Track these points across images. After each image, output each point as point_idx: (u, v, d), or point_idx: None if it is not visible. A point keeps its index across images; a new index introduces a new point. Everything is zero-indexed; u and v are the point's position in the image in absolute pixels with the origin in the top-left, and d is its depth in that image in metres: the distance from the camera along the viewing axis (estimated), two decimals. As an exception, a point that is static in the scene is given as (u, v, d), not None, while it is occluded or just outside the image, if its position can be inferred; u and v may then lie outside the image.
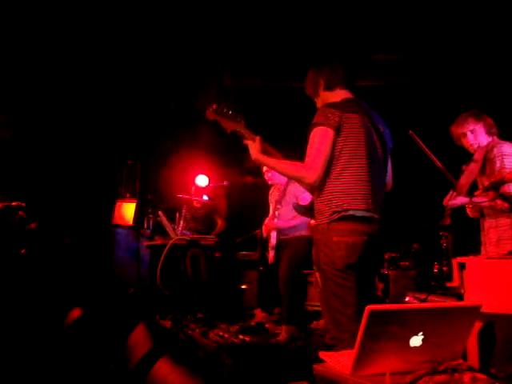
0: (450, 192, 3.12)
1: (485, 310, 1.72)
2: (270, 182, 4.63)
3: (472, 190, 3.22)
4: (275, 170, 2.60)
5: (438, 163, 3.16)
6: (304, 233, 4.33)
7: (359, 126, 2.41)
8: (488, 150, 3.16)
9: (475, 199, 2.95)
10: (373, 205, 2.40)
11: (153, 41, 5.39)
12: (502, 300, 2.13)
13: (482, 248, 3.25)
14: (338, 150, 2.38)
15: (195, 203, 6.15)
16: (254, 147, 2.53)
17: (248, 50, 5.45)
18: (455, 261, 2.44)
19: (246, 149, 2.61)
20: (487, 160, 3.14)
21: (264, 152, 2.53)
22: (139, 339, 1.52)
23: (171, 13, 4.92)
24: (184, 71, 5.94)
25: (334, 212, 2.37)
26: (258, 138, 2.54)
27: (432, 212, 3.56)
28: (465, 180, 3.05)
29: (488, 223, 3.19)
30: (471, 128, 3.24)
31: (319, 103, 2.63)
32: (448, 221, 3.16)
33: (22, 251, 4.20)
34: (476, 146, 3.23)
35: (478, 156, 3.13)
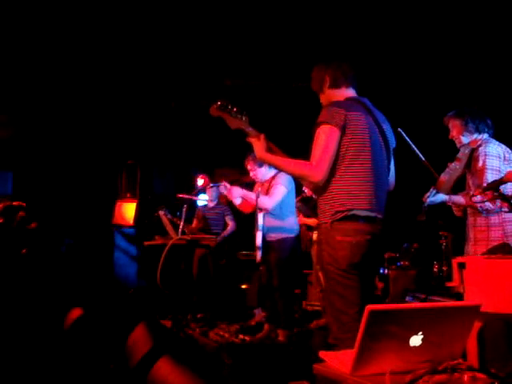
0: (431, 189, 3.14)
1: (484, 309, 1.73)
2: (257, 180, 4.53)
3: (458, 188, 3.24)
4: (280, 169, 2.59)
5: (424, 160, 3.20)
6: (287, 234, 4.30)
7: (364, 125, 2.41)
8: (475, 148, 3.17)
9: (474, 199, 2.96)
10: (376, 204, 2.40)
11: (153, 42, 5.39)
12: (502, 300, 2.13)
13: (466, 246, 3.28)
14: (344, 150, 2.38)
15: (209, 203, 6.16)
16: (258, 145, 2.52)
17: (247, 50, 5.46)
18: (455, 261, 2.43)
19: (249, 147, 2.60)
20: (473, 158, 3.15)
21: (268, 150, 2.52)
22: (139, 339, 1.53)
23: (170, 13, 4.92)
24: (184, 71, 5.94)
25: (338, 211, 2.36)
26: (262, 136, 2.53)
27: (431, 211, 3.56)
28: (444, 177, 3.07)
29: (469, 222, 3.22)
30: (451, 125, 3.32)
31: (323, 99, 2.62)
32: (423, 217, 3.17)
33: (23, 251, 4.20)
34: (458, 142, 3.27)
35: (460, 154, 3.15)
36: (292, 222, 4.37)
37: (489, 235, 3.04)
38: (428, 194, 3.15)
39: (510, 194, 2.88)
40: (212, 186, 5.86)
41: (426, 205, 3.14)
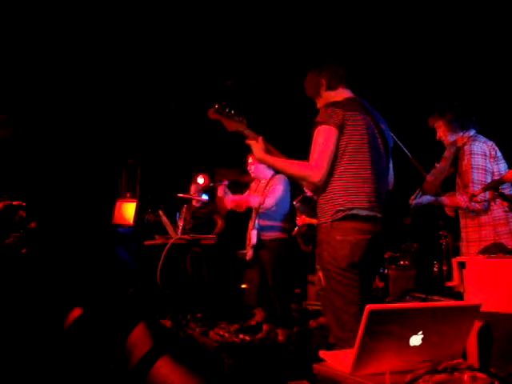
0: (417, 190, 3.11)
1: (484, 309, 1.73)
2: (252, 175, 4.61)
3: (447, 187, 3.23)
4: (279, 170, 2.60)
5: (411, 158, 3.19)
6: (281, 234, 4.37)
7: (362, 124, 2.42)
8: (461, 146, 3.15)
9: (475, 199, 2.95)
10: (376, 203, 2.41)
11: (154, 42, 5.39)
12: (502, 299, 2.13)
13: (461, 247, 3.27)
14: (342, 149, 2.38)
15: (194, 202, 6.17)
16: (257, 147, 2.53)
17: (248, 50, 5.45)
18: (455, 260, 2.43)
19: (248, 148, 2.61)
20: (459, 157, 3.14)
21: (267, 152, 2.53)
22: (139, 339, 1.53)
23: (171, 13, 4.92)
24: (184, 71, 5.94)
25: (338, 211, 2.37)
26: (260, 138, 2.54)
27: (432, 210, 3.56)
28: (430, 178, 3.05)
29: (461, 223, 3.21)
30: (436, 125, 3.30)
31: (321, 104, 2.63)
32: (409, 220, 3.15)
33: (23, 251, 4.19)
34: (446, 142, 3.25)
35: (446, 153, 3.13)
36: (286, 222, 4.44)
37: (480, 235, 3.03)
38: (414, 195, 3.12)
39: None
40: (212, 186, 5.85)
41: (412, 207, 3.12)
